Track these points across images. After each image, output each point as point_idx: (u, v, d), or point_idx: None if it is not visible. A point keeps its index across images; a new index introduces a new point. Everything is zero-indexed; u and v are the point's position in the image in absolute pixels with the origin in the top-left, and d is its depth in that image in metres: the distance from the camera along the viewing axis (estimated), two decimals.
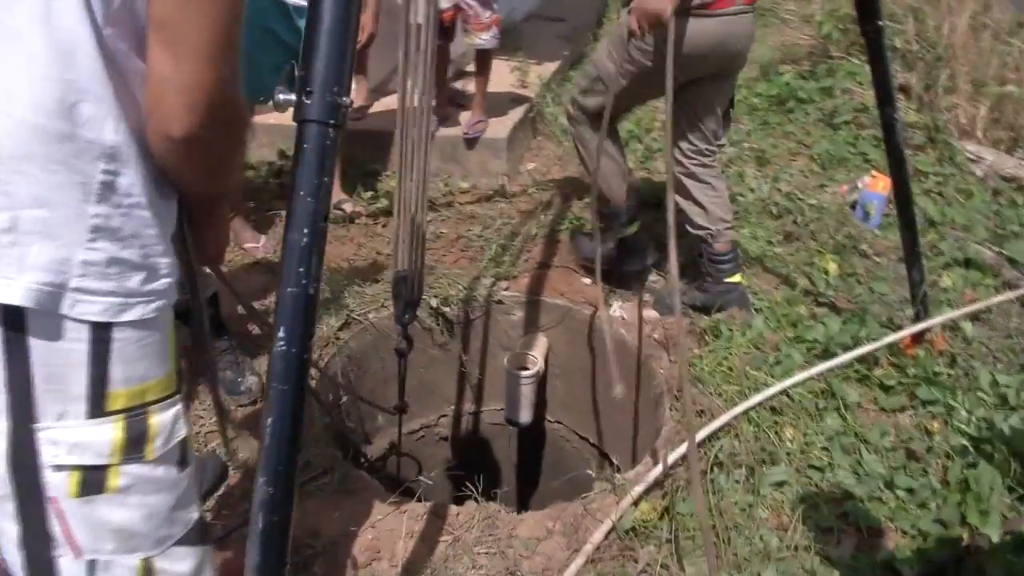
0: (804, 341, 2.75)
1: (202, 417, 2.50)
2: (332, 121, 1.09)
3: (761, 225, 3.61)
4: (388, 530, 2.10)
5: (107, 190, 0.91)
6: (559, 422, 3.55)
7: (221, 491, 2.25)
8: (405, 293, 2.16)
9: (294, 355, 1.12)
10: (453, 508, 2.17)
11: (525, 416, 3.15)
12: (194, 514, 1.11)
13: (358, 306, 3.06)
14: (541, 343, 3.26)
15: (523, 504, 3.88)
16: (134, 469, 0.99)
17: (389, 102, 4.38)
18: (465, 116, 4.22)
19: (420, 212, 2.06)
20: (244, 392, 2.56)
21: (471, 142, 4.07)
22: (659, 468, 2.20)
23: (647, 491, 2.19)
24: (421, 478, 2.25)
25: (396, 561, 1.99)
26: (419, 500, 2.23)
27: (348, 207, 3.74)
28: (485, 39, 3.92)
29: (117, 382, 0.95)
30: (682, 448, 2.29)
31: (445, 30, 3.92)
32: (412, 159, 2.02)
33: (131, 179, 0.94)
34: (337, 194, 3.77)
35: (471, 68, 4.40)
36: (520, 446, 3.67)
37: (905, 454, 2.38)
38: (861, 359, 2.65)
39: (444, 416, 3.55)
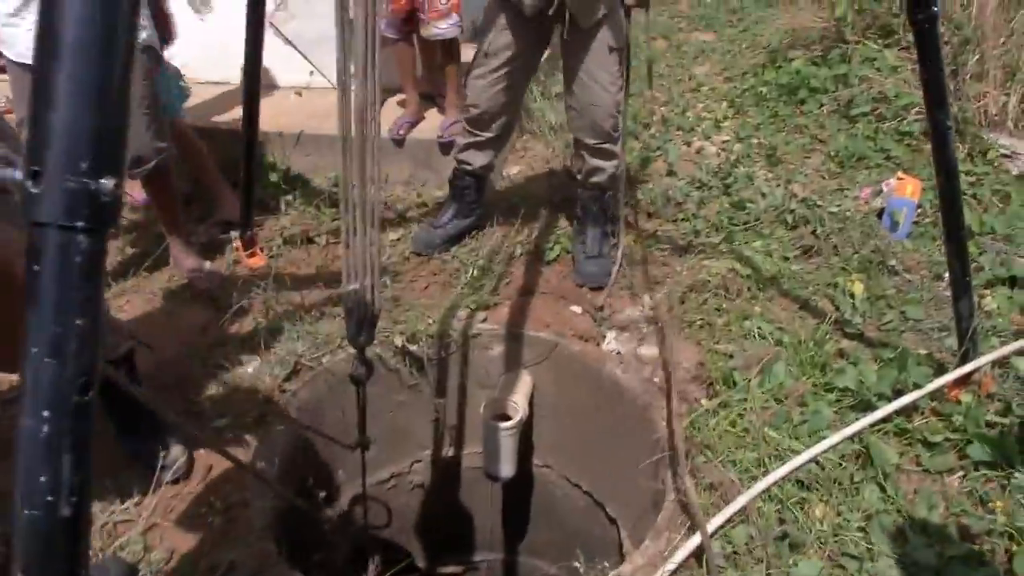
0: (833, 389, 2.28)
1: (109, 504, 2.04)
2: (80, 223, 0.62)
3: (775, 237, 3.13)
4: None
5: None
6: (547, 466, 3.09)
7: None
8: (359, 310, 1.68)
9: None
10: None
11: (507, 470, 2.69)
12: None
13: (309, 349, 2.60)
14: (525, 383, 2.80)
15: (511, 550, 3.45)
16: None
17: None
18: (440, 117, 3.73)
19: (373, 214, 1.58)
20: (167, 468, 2.09)
21: (446, 147, 3.58)
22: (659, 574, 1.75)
23: None
24: None
25: None
26: None
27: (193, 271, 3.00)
28: (444, 28, 3.43)
29: None
30: (688, 544, 1.83)
31: (403, 21, 3.43)
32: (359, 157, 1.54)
33: None
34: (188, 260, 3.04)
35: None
36: (505, 492, 3.22)
37: (958, 533, 1.91)
38: (900, 410, 2.18)
39: (418, 462, 3.09)
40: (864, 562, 1.83)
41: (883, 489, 2.01)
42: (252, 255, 3.08)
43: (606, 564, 1.85)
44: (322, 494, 2.65)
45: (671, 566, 1.77)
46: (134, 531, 1.94)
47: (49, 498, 0.64)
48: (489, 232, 3.26)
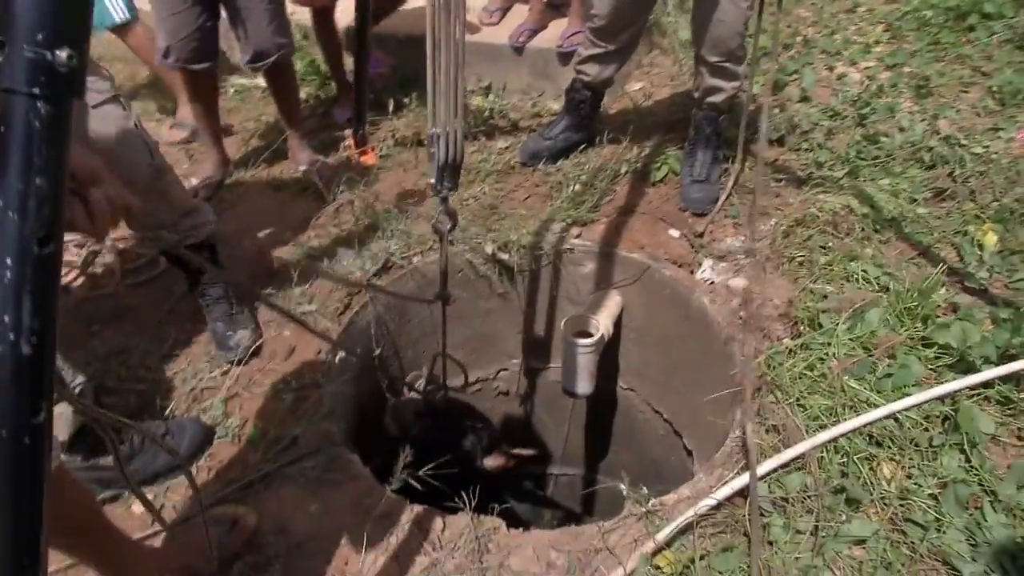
0: (932, 345, 2.11)
1: (200, 371, 2.23)
2: (38, 91, 0.66)
3: (906, 176, 2.86)
4: (363, 538, 1.76)
5: None
6: (631, 389, 3.08)
7: (203, 460, 1.98)
8: (441, 153, 1.72)
9: (6, 449, 0.73)
10: (439, 522, 1.79)
11: (583, 387, 2.70)
12: None
13: (401, 248, 2.67)
14: (613, 303, 2.77)
15: (591, 469, 3.50)
16: None
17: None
18: (562, 25, 3.62)
19: (459, 57, 1.61)
20: (232, 348, 2.24)
21: (566, 56, 3.48)
22: (695, 508, 1.72)
23: (681, 532, 1.73)
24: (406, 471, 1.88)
25: None
26: (408, 496, 1.89)
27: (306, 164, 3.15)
28: None
29: None
30: (736, 482, 1.79)
31: None
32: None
33: None
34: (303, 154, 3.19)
35: None
36: (589, 409, 3.25)
37: None
38: (1006, 377, 2.00)
39: (504, 370, 3.17)
40: (929, 532, 1.71)
41: (968, 458, 1.86)
42: (363, 153, 3.17)
43: (644, 488, 1.84)
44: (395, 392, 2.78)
45: (711, 501, 1.74)
46: (216, 398, 2.12)
47: (11, 336, 0.71)
48: (598, 148, 3.19)
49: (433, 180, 1.79)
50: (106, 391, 2.06)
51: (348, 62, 3.65)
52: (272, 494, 1.87)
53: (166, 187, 2.01)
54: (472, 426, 2.79)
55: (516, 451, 2.73)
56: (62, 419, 1.69)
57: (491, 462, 2.70)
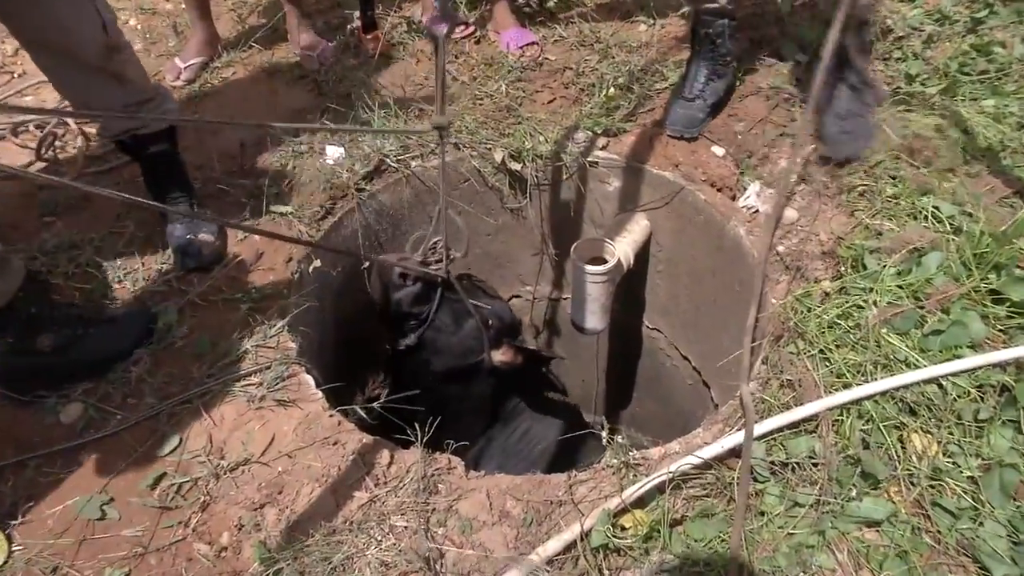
0: (1003, 301, 1.95)
1: (154, 273, 2.24)
2: None
3: (1018, 96, 2.64)
4: (302, 467, 1.77)
5: None
6: (657, 330, 3.00)
7: (144, 367, 2.00)
8: None
9: None
10: (386, 455, 1.78)
11: (592, 322, 2.63)
12: None
13: (397, 150, 2.62)
14: (638, 228, 2.68)
15: (612, 416, 3.46)
16: None
17: None
18: None
19: None
20: (191, 256, 2.23)
21: None
22: (675, 465, 1.66)
23: (659, 491, 1.68)
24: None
25: (288, 514, 1.67)
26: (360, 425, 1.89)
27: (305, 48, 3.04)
28: None
29: None
30: (727, 440, 1.72)
31: None
32: None
33: None
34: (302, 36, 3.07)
35: None
36: (611, 349, 3.19)
37: None
38: None
39: (516, 297, 3.12)
40: (960, 521, 1.60)
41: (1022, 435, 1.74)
42: (372, 39, 3.09)
43: (623, 437, 1.79)
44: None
45: (694, 459, 1.68)
46: (169, 303, 2.13)
47: None
48: (644, 46, 3.03)
49: None
50: (50, 289, 2.10)
51: None
52: (212, 412, 1.89)
53: (120, 68, 1.99)
54: (476, 307, 2.42)
55: (526, 346, 2.61)
56: None
57: (500, 356, 2.54)
